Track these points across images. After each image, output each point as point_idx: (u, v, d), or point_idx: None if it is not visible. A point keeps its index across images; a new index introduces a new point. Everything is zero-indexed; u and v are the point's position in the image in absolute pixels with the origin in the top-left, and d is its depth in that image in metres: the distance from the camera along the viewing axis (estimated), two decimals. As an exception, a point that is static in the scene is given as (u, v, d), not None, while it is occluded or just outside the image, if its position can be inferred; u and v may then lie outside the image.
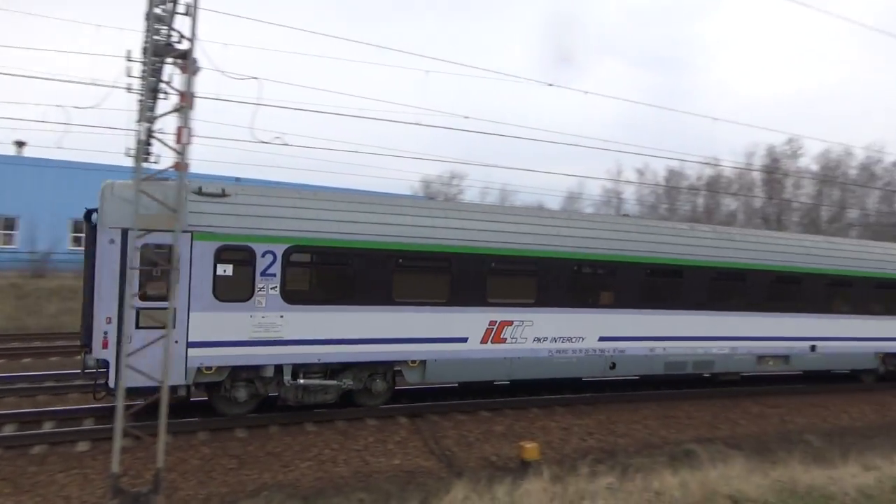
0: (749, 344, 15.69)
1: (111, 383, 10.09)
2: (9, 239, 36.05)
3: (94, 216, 10.67)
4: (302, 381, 11.63)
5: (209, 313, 10.73)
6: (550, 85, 21.04)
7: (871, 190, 76.42)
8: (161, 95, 9.56)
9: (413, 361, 12.45)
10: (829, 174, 77.68)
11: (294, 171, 41.68)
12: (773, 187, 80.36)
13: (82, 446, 10.21)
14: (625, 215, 20.71)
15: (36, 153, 31.94)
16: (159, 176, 9.11)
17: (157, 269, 10.46)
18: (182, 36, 8.58)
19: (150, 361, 8.84)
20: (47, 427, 11.04)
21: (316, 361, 11.67)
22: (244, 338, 10.99)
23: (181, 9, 8.37)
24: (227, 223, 10.91)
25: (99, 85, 12.40)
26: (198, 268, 10.60)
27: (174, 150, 8.42)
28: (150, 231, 8.93)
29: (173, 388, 10.15)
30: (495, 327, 13.03)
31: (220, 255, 10.79)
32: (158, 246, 10.05)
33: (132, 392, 9.14)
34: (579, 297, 13.87)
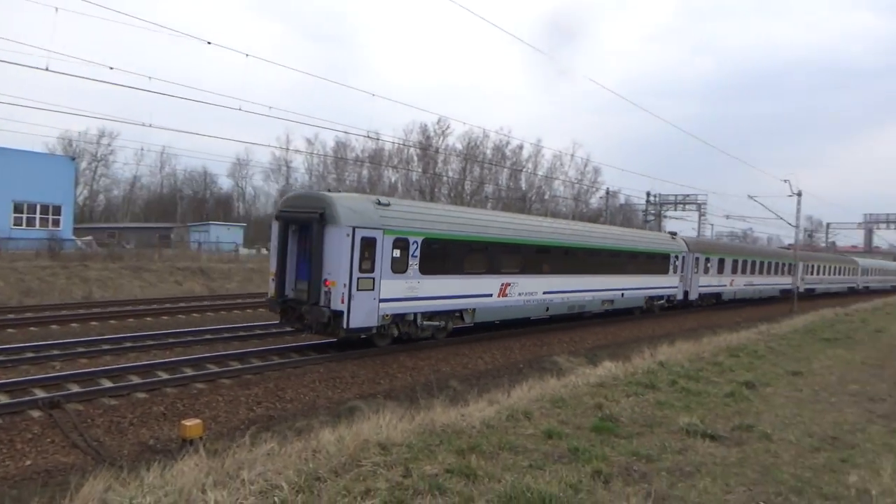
0: (599, 294, 25.87)
1: (349, 324, 15.40)
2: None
3: (313, 217, 15.42)
4: (426, 322, 17.97)
5: (389, 280, 16.27)
6: (209, 43, 19.57)
7: (503, 168, 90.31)
8: None
9: (469, 309, 19.24)
10: (471, 153, 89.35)
11: None
12: (427, 162, 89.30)
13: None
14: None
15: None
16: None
17: (368, 253, 15.67)
18: None
19: (363, 312, 15.59)
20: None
21: (440, 310, 18.25)
22: (402, 296, 16.72)
23: None
24: (397, 224, 16.51)
25: None
26: (386, 251, 16.11)
27: None
28: (365, 228, 15.54)
29: (369, 329, 16.18)
30: (504, 287, 20.48)
31: (395, 244, 16.38)
32: (367, 238, 15.62)
33: (354, 331, 15.71)
34: (536, 267, 21.96)
